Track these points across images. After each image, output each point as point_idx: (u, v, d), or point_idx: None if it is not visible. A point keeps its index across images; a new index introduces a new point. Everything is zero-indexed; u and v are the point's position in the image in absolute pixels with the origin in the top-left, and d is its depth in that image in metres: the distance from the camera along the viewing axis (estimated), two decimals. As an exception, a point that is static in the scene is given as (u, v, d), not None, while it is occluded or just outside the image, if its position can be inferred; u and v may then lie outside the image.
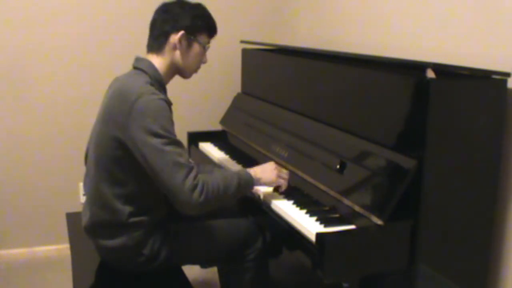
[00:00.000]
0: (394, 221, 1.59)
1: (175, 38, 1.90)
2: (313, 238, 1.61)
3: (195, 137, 2.82)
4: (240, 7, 3.30)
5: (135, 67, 1.91)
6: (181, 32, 1.89)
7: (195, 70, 2.01)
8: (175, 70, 1.96)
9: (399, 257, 1.63)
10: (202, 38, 1.96)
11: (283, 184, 1.97)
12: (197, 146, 2.77)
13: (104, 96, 1.94)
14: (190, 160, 1.78)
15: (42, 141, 3.08)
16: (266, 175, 1.93)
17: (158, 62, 1.91)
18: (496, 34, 1.77)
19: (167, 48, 1.91)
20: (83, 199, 3.11)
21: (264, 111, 2.52)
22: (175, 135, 1.75)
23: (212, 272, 2.79)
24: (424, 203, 1.60)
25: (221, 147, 2.66)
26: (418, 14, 2.13)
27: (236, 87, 3.00)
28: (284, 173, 1.99)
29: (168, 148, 1.69)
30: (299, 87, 2.33)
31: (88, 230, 1.92)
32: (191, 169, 1.71)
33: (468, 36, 1.89)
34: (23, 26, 2.95)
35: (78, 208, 2.47)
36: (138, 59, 1.92)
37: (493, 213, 1.74)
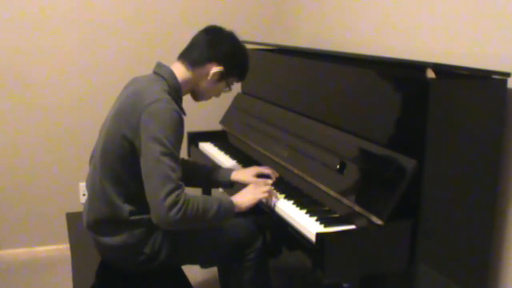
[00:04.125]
0: (394, 221, 1.59)
1: (212, 68, 1.92)
2: (313, 238, 1.61)
3: (195, 137, 2.82)
4: (240, 7, 3.30)
5: (155, 72, 1.92)
6: (221, 68, 1.92)
7: (208, 99, 2.04)
8: (192, 89, 1.98)
9: (399, 257, 1.63)
10: (232, 80, 2.00)
11: (267, 198, 1.94)
12: (197, 146, 2.77)
13: (119, 94, 1.96)
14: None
15: (42, 141, 3.08)
16: (246, 198, 1.92)
17: (183, 72, 1.92)
18: (496, 34, 1.77)
19: (199, 70, 1.93)
20: (83, 199, 3.12)
21: (264, 111, 2.52)
22: (177, 150, 1.75)
23: (212, 272, 2.79)
24: (424, 203, 1.60)
25: (221, 147, 2.66)
26: (418, 14, 2.13)
27: (236, 87, 2.99)
28: (263, 187, 1.96)
29: (165, 159, 1.70)
30: (299, 87, 2.33)
31: (90, 226, 1.92)
32: (178, 186, 1.70)
33: (468, 36, 1.89)
34: (23, 27, 2.95)
35: (78, 208, 2.47)
36: (159, 65, 1.93)
37: (493, 213, 1.74)
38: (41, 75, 3.02)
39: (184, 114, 1.88)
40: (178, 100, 1.89)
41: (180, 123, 1.77)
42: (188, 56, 1.94)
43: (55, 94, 3.06)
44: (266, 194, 1.94)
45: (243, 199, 1.92)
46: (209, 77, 1.93)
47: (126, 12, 3.11)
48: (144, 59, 3.16)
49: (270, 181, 2.06)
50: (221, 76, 1.95)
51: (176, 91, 1.88)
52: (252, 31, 3.29)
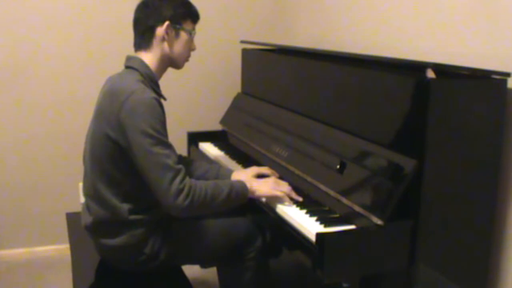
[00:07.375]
0: (394, 221, 1.59)
1: (161, 30, 1.89)
2: (313, 238, 1.61)
3: (195, 137, 2.81)
4: (240, 7, 3.30)
5: (126, 66, 1.92)
6: (166, 23, 1.89)
7: (186, 59, 2.01)
8: (167, 62, 1.96)
9: (399, 257, 1.63)
10: (187, 25, 1.96)
11: (282, 196, 1.89)
12: (197, 146, 2.77)
13: (98, 95, 1.96)
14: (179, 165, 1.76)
15: (42, 141, 3.08)
16: (263, 188, 1.91)
17: (149, 58, 1.91)
18: (496, 34, 1.77)
19: (155, 42, 1.91)
20: (83, 199, 3.12)
21: (264, 111, 2.52)
22: (165, 135, 1.76)
23: (212, 272, 2.79)
24: (424, 203, 1.60)
25: (221, 147, 2.66)
26: (418, 14, 2.13)
27: (236, 87, 3.00)
28: (284, 186, 1.93)
29: (156, 149, 1.70)
30: (299, 87, 2.32)
31: (89, 229, 1.92)
32: (178, 171, 1.71)
33: (468, 36, 1.89)
34: (24, 26, 2.95)
35: (78, 208, 2.47)
36: (129, 58, 1.93)
37: (493, 213, 1.74)
38: (41, 75, 3.02)
39: (164, 99, 1.86)
40: (154, 86, 1.88)
41: (159, 108, 1.76)
42: (140, 40, 1.93)
43: (55, 94, 3.06)
44: (282, 194, 1.90)
45: (259, 187, 1.91)
46: (166, 40, 1.91)
47: (126, 11, 3.10)
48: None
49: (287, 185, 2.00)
50: (174, 30, 1.92)
51: (150, 77, 1.88)
52: (252, 31, 3.29)
